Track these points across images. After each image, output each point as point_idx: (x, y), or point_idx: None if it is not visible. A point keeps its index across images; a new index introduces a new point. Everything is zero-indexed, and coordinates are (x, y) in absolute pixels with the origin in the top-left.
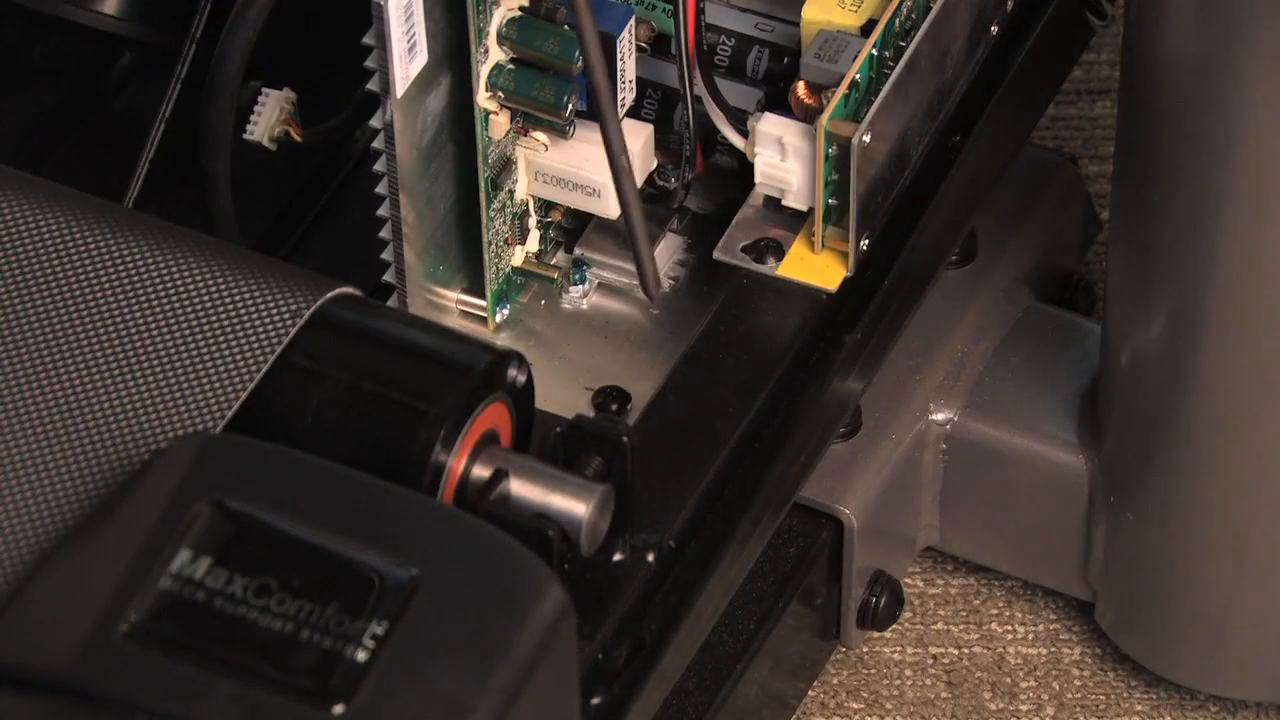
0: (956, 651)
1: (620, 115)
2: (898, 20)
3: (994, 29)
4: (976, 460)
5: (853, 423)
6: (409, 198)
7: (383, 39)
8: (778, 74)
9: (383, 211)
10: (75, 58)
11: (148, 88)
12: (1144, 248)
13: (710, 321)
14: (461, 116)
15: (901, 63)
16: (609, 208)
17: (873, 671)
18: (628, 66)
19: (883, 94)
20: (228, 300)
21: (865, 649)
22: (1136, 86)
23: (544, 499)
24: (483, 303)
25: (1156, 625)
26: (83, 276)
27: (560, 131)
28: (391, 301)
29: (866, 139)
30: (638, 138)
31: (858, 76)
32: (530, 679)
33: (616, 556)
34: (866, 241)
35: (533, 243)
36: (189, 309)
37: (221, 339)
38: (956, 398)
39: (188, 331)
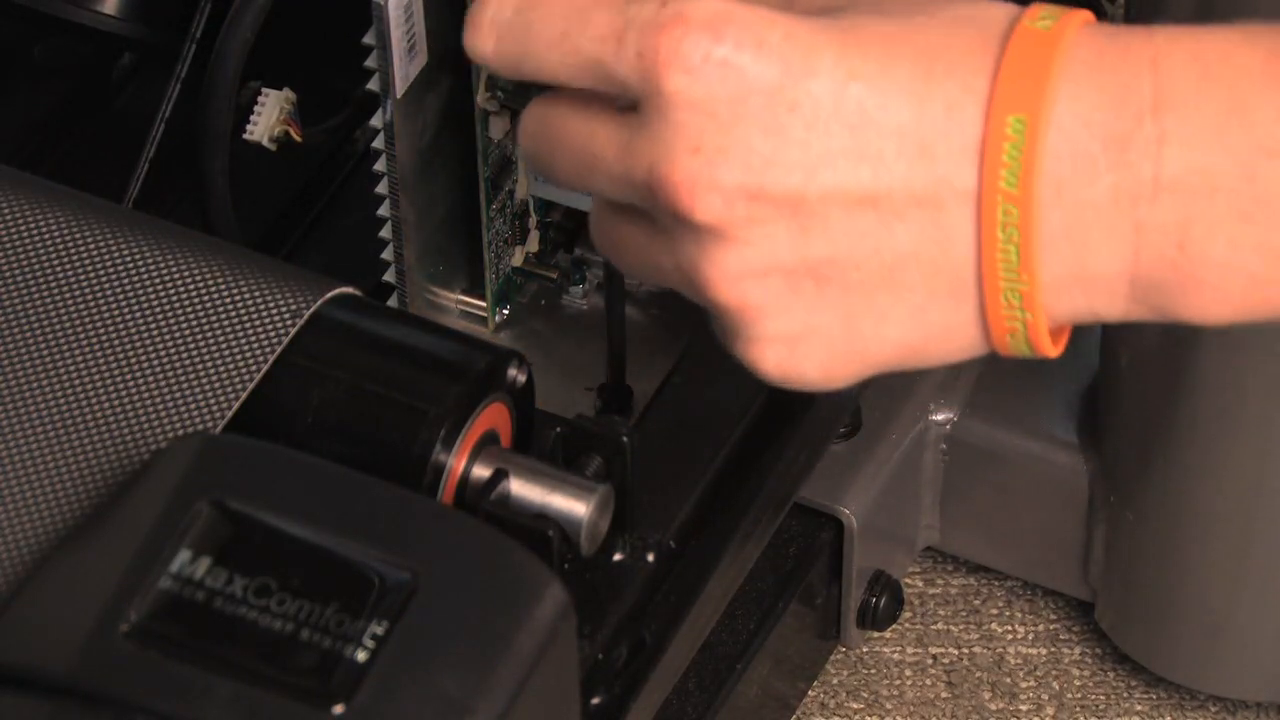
0: (956, 651)
1: None
2: None
3: None
4: (976, 460)
5: (853, 423)
6: (409, 198)
7: (383, 39)
8: None
9: (383, 211)
10: (75, 58)
11: (148, 88)
12: None
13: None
14: (461, 116)
15: None
16: None
17: (873, 671)
18: None
19: None
20: (228, 300)
21: (865, 649)
22: None
23: (544, 499)
24: (483, 303)
25: (1156, 625)
26: (83, 276)
27: None
28: (391, 301)
29: None
30: None
31: None
32: (530, 679)
33: (616, 556)
34: None
35: (533, 243)
36: (189, 309)
37: (221, 339)
38: (956, 398)
39: (188, 331)
